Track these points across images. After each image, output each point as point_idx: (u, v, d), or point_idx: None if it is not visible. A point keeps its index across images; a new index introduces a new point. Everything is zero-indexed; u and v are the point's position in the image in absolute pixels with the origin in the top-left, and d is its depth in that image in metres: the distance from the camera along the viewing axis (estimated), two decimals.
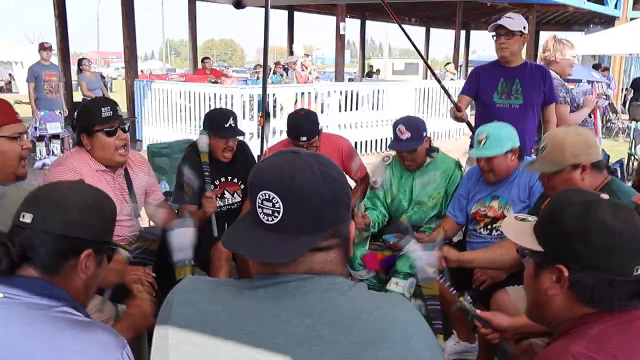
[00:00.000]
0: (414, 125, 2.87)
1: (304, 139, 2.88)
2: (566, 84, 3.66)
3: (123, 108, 8.79)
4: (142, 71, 14.22)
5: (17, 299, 1.06)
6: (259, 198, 0.90)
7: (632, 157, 6.88)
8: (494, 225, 2.62)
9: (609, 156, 4.00)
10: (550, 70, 3.61)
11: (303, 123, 2.97)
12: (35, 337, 1.00)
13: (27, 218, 1.13)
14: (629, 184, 3.70)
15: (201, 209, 2.82)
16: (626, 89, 14.01)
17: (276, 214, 0.88)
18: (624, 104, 13.26)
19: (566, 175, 1.99)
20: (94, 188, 1.29)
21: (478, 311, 1.88)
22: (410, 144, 2.84)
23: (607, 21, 15.11)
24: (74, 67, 9.92)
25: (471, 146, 3.54)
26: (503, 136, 2.51)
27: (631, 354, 0.96)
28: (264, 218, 0.90)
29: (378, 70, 22.27)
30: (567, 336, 1.05)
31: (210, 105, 7.72)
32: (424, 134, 2.90)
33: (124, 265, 2.13)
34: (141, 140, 9.16)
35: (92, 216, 1.19)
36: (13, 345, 0.99)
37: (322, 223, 0.90)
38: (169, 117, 8.77)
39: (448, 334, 2.84)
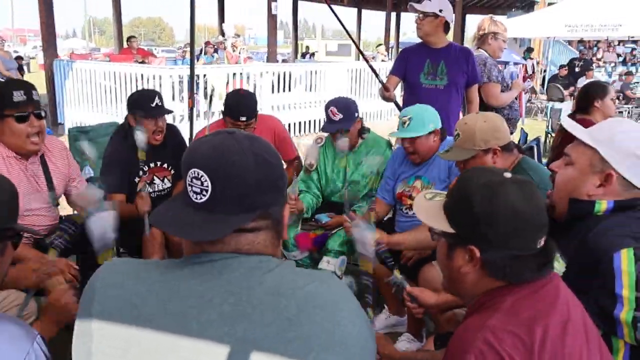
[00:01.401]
0: (346, 106, 2.92)
1: (244, 119, 2.83)
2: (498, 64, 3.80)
3: (42, 90, 8.27)
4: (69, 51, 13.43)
5: None
6: (189, 176, 0.90)
7: (549, 135, 7.31)
8: None
9: (527, 134, 4.22)
10: (482, 51, 3.74)
11: (243, 102, 2.91)
12: None
13: None
14: (545, 160, 3.93)
15: (133, 204, 2.72)
16: (544, 71, 14.79)
17: (204, 193, 0.88)
18: (542, 85, 14.01)
19: (479, 160, 2.11)
20: None
21: (408, 287, 1.95)
22: (343, 124, 2.88)
23: (528, 5, 15.84)
24: None
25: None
26: (426, 118, 2.59)
27: (538, 318, 1.03)
28: (193, 196, 0.90)
29: (314, 54, 22.18)
30: (483, 310, 1.10)
31: (137, 87, 7.41)
32: (356, 115, 2.95)
33: (43, 264, 2.03)
34: (63, 124, 8.69)
35: None
36: None
37: (251, 205, 0.90)
38: (92, 99, 8.34)
39: (380, 309, 2.94)
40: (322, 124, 9.81)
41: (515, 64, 9.31)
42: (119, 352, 0.85)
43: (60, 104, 8.76)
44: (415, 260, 2.52)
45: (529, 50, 14.30)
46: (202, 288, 0.86)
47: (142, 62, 9.60)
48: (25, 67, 17.39)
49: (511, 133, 3.92)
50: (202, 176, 0.88)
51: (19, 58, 14.57)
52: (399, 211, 2.82)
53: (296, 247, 2.93)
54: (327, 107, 2.93)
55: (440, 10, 3.29)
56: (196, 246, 0.91)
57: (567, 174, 1.47)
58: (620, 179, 1.39)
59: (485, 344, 0.97)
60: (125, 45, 11.55)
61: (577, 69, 12.95)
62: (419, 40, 3.47)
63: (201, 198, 0.88)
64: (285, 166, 3.31)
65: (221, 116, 3.05)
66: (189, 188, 0.90)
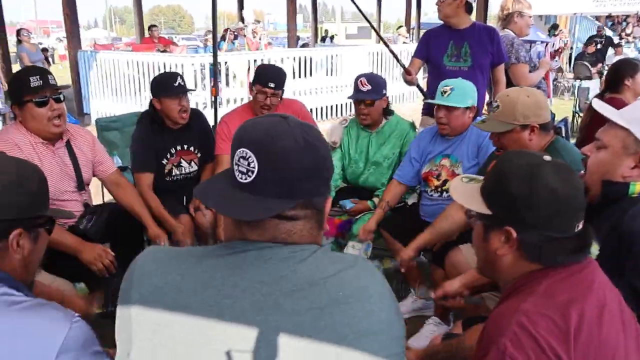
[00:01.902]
0: (375, 80, 2.94)
1: (272, 85, 2.86)
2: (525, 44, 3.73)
3: (67, 81, 8.40)
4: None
5: None
6: (237, 155, 0.90)
7: (577, 115, 7.14)
8: (443, 188, 2.70)
9: (554, 115, 4.14)
10: (509, 31, 3.66)
11: (273, 70, 2.97)
12: None
13: None
14: (573, 141, 3.86)
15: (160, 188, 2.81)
16: (571, 48, 14.42)
17: (250, 173, 0.88)
18: (569, 63, 13.68)
19: (515, 135, 2.05)
20: (14, 161, 1.22)
21: (432, 294, 1.95)
22: (369, 94, 2.89)
23: None
24: (11, 39, 9.39)
25: (423, 110, 3.60)
26: (467, 92, 2.58)
27: (574, 302, 1.02)
28: (238, 176, 0.90)
29: (333, 37, 21.98)
30: (517, 294, 1.10)
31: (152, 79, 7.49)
32: (384, 92, 2.95)
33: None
34: (89, 114, 8.84)
35: (13, 194, 1.13)
36: None
37: (295, 191, 0.89)
38: (117, 89, 8.46)
39: (406, 292, 2.95)
40: (343, 109, 9.77)
41: (542, 42, 9.11)
42: (155, 338, 0.87)
43: (85, 95, 8.90)
44: (442, 245, 2.52)
45: (554, 27, 13.92)
46: (236, 278, 0.87)
47: (164, 51, 9.67)
48: (50, 59, 17.65)
49: None
50: (249, 157, 0.88)
51: (44, 50, 14.81)
52: (424, 194, 2.81)
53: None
54: (356, 79, 2.95)
55: None
56: (236, 230, 0.92)
57: (599, 157, 1.44)
58: None
59: (520, 327, 0.97)
60: (146, 34, 11.64)
61: (599, 46, 12.59)
62: (440, 21, 3.42)
63: (246, 178, 0.88)
64: None
65: (243, 102, 3.08)
66: (236, 167, 0.90)
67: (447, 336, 1.73)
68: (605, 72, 11.03)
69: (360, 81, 2.91)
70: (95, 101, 8.77)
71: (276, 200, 0.88)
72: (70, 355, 0.99)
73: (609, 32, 15.79)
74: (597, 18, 16.57)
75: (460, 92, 2.56)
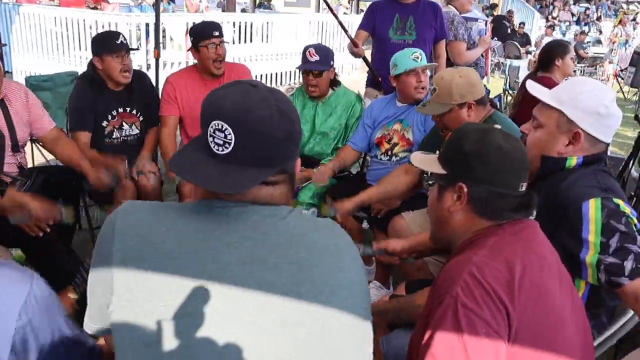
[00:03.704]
0: (323, 51, 2.96)
1: (217, 33, 2.87)
2: (465, 22, 3.84)
3: None
4: None
5: None
6: (212, 127, 0.89)
7: (506, 92, 7.49)
8: (393, 151, 2.80)
9: (489, 91, 4.33)
10: (452, 7, 3.76)
11: (209, 22, 2.99)
12: None
13: None
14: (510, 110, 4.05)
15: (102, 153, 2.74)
16: None
17: (227, 145, 0.88)
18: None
19: (455, 113, 2.19)
20: None
21: (374, 244, 2.03)
22: (318, 65, 2.92)
23: None
24: None
25: (367, 82, 3.66)
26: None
27: (518, 255, 1.13)
28: (214, 147, 0.90)
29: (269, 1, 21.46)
30: (468, 248, 1.20)
31: (91, 35, 7.08)
32: (331, 63, 2.98)
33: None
34: (10, 72, 8.25)
35: None
36: None
37: (273, 159, 0.91)
38: (44, 47, 7.93)
39: None
40: (283, 77, 9.66)
41: (483, 20, 9.37)
42: (139, 288, 0.86)
43: (7, 52, 8.27)
44: (385, 212, 2.62)
45: (492, 6, 14.40)
46: (219, 232, 0.89)
47: (94, 8, 9.13)
48: None
49: None
50: (226, 129, 0.88)
51: None
52: (373, 159, 2.90)
53: None
54: (305, 49, 2.96)
55: None
56: (212, 193, 0.93)
57: (536, 136, 1.56)
58: (586, 136, 1.50)
59: (471, 276, 1.06)
60: None
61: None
62: None
63: (223, 150, 0.89)
64: None
65: (180, 66, 3.03)
66: (211, 139, 0.90)
67: (394, 297, 1.83)
68: (532, 52, 11.59)
69: (309, 52, 2.92)
70: (19, 59, 8.19)
71: (256, 169, 0.90)
72: (32, 315, 0.97)
73: (537, 14, 16.52)
74: (527, 0, 17.24)
75: (424, 55, 2.77)
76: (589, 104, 1.47)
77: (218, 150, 0.90)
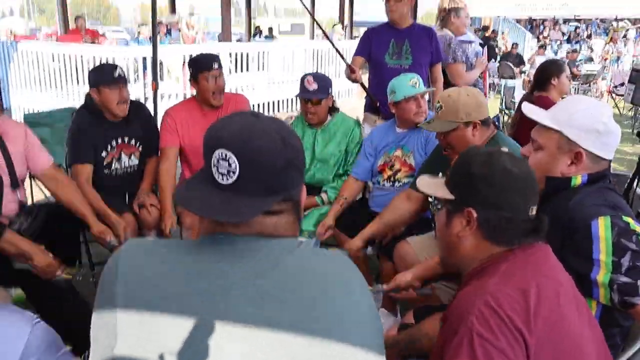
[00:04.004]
0: (322, 79, 2.98)
1: (216, 65, 2.89)
2: (463, 44, 3.88)
3: None
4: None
5: None
6: (215, 157, 0.89)
7: (502, 112, 7.54)
8: (395, 177, 2.79)
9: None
10: (447, 30, 3.80)
11: (208, 54, 3.00)
12: None
13: None
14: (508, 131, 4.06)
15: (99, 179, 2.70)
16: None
17: (232, 174, 0.88)
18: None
19: (460, 132, 2.17)
20: None
21: (384, 286, 2.00)
22: (316, 94, 2.93)
23: None
24: None
25: (366, 107, 3.68)
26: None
27: (531, 281, 1.10)
28: (218, 177, 0.89)
29: (270, 30, 21.74)
30: (480, 276, 1.17)
31: (89, 69, 7.15)
32: (330, 90, 3.00)
33: None
34: (9, 109, 8.29)
35: None
36: None
37: (277, 187, 0.90)
38: (42, 83, 7.99)
39: None
40: (280, 105, 9.72)
41: (480, 43, 9.50)
42: (144, 330, 0.84)
43: (4, 88, 8.34)
44: (390, 239, 2.59)
45: (485, 28, 14.61)
46: (228, 269, 0.87)
47: (92, 43, 9.23)
48: None
49: None
50: (229, 157, 0.87)
51: None
52: (376, 185, 2.89)
53: None
54: (303, 78, 2.98)
55: None
56: (217, 225, 0.91)
57: (538, 158, 1.55)
58: (588, 155, 1.48)
59: (486, 306, 1.03)
60: (71, 25, 11.05)
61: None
62: (372, 21, 3.49)
63: (228, 179, 0.88)
64: None
65: (177, 100, 3.05)
66: (214, 169, 0.89)
67: (403, 326, 1.79)
68: (526, 72, 11.70)
69: (307, 80, 2.94)
70: (17, 96, 8.25)
71: (261, 198, 0.89)
72: (35, 357, 0.95)
73: (528, 35, 16.76)
74: (518, 21, 17.51)
75: (421, 80, 2.78)
76: (587, 122, 1.47)
77: (222, 180, 0.89)
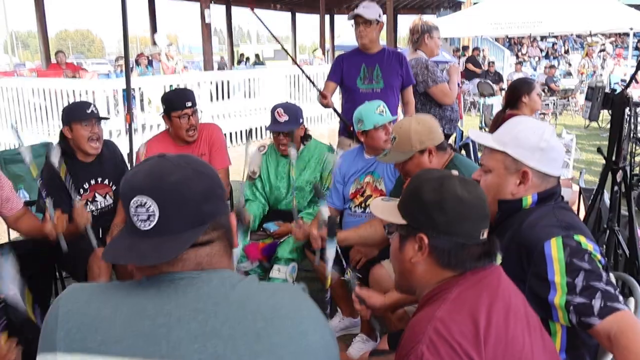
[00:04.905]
0: (292, 110, 3.00)
1: (189, 104, 2.90)
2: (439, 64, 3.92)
3: None
4: None
5: None
6: (132, 206, 0.89)
7: (483, 130, 7.62)
8: (367, 203, 2.79)
9: (462, 132, 4.41)
10: (421, 52, 3.85)
11: (180, 92, 3.03)
12: None
13: None
14: (480, 155, 4.10)
15: (72, 223, 2.62)
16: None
17: (152, 218, 0.88)
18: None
19: (416, 160, 2.21)
20: None
21: (357, 288, 2.00)
22: (287, 126, 2.94)
23: (455, 5, 16.45)
24: None
25: (340, 131, 3.70)
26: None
27: (482, 306, 1.10)
28: (140, 225, 0.89)
29: (258, 57, 21.93)
30: (432, 302, 1.17)
31: (69, 103, 7.15)
32: (300, 120, 3.01)
33: None
34: None
35: None
36: None
37: (200, 218, 0.91)
38: (21, 119, 7.97)
39: (333, 312, 2.98)
40: (263, 131, 9.76)
41: (448, 62, 9.67)
42: None
43: None
44: (365, 262, 2.58)
45: (464, 48, 14.87)
46: (169, 307, 0.87)
47: (73, 77, 9.25)
48: None
49: (451, 133, 4.08)
50: (146, 202, 0.88)
51: None
52: (347, 211, 2.88)
53: (246, 258, 2.92)
54: (273, 110, 3.00)
55: (380, 15, 3.39)
56: (153, 268, 0.91)
57: (488, 181, 1.57)
58: (535, 173, 1.52)
59: (435, 333, 1.03)
60: (52, 59, 11.08)
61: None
62: (353, 43, 3.54)
63: (150, 224, 0.89)
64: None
65: (159, 130, 3.05)
66: (135, 218, 0.90)
67: (374, 352, 1.77)
68: (505, 89, 11.88)
69: (277, 112, 2.95)
70: None
71: (186, 233, 0.90)
72: None
73: (507, 52, 17.04)
74: (497, 39, 17.82)
75: (387, 107, 2.79)
76: (530, 140, 1.51)
77: (144, 226, 0.89)
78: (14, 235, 3.13)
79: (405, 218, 1.25)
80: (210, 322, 0.85)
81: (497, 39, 17.93)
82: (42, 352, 0.89)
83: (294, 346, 0.86)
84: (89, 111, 2.73)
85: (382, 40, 3.57)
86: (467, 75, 12.80)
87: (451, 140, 4.03)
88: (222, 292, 0.89)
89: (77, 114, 2.72)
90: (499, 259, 1.26)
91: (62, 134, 2.78)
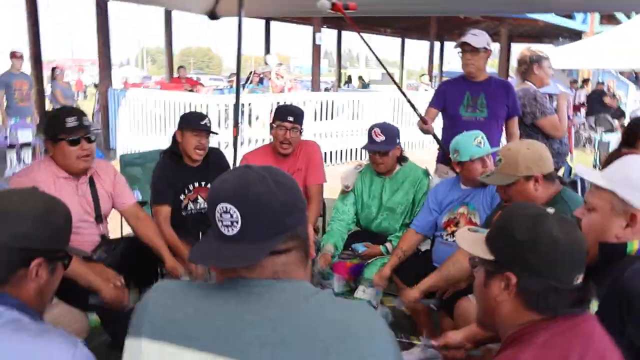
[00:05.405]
0: (389, 130, 3.00)
1: (291, 119, 3.02)
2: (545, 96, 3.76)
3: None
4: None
5: None
6: (218, 211, 0.95)
7: (597, 168, 7.10)
8: None
9: (571, 168, 4.14)
10: (530, 83, 3.71)
11: (291, 107, 3.19)
12: None
13: None
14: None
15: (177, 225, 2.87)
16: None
17: (235, 224, 0.94)
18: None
19: (520, 186, 2.10)
20: (45, 196, 1.28)
21: (433, 342, 1.95)
22: (384, 146, 2.95)
23: (575, 35, 15.58)
24: (47, 74, 9.80)
25: (438, 158, 3.65)
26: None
27: (573, 355, 1.03)
28: (224, 230, 0.95)
29: (361, 79, 22.28)
30: (516, 344, 1.11)
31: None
32: (397, 141, 3.01)
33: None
34: (114, 149, 9.08)
35: (41, 226, 1.19)
36: None
37: (279, 228, 0.96)
38: (143, 126, 8.72)
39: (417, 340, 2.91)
40: (364, 152, 9.85)
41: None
42: None
43: (112, 130, 9.17)
44: (451, 293, 2.51)
45: (585, 81, 14.05)
46: (243, 311, 0.92)
47: (191, 91, 9.97)
48: (84, 94, 18.35)
49: (559, 167, 3.86)
50: (230, 209, 0.94)
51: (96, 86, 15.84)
52: (438, 240, 2.83)
53: (333, 275, 2.96)
54: (370, 129, 3.02)
55: (488, 44, 3.32)
56: (233, 272, 0.97)
57: (591, 220, 1.47)
58: None
59: None
60: (175, 74, 12.02)
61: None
62: (462, 70, 3.48)
63: (233, 230, 0.94)
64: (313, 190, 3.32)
65: (265, 142, 3.22)
66: (219, 223, 0.96)
67: None
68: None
69: (374, 132, 2.97)
70: (121, 137, 9.03)
71: (266, 240, 0.94)
72: None
73: (632, 86, 15.80)
74: (621, 73, 16.60)
75: (484, 137, 2.70)
76: None
77: (227, 232, 0.95)
78: (127, 231, 3.42)
79: (493, 253, 1.20)
80: (280, 331, 0.89)
81: (621, 72, 16.70)
82: (130, 337, 0.98)
83: None
84: (202, 123, 2.95)
85: (494, 69, 3.47)
86: (594, 108, 11.98)
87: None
88: (295, 303, 0.92)
89: (192, 123, 2.95)
90: (594, 307, 1.18)
91: (174, 136, 3.03)
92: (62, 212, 1.27)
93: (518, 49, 5.21)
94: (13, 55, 7.54)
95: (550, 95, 3.88)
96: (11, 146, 7.39)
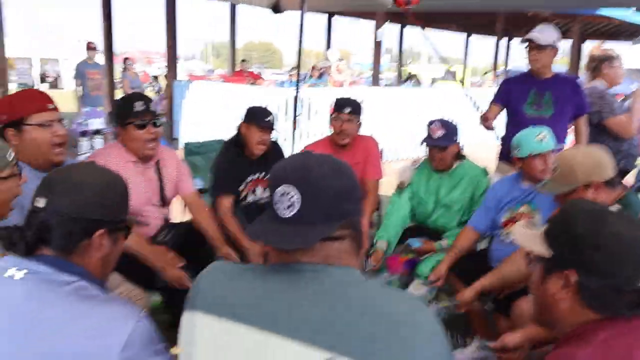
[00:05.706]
0: (448, 126, 2.96)
1: (348, 110, 3.06)
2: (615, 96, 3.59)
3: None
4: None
5: (37, 275, 1.12)
6: (277, 193, 0.98)
7: None
8: None
9: None
10: (599, 82, 3.56)
11: (349, 99, 3.19)
12: (55, 309, 1.07)
13: (41, 202, 1.17)
14: None
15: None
16: None
17: (293, 207, 0.96)
18: None
19: (580, 194, 2.03)
20: (104, 169, 1.32)
21: (489, 343, 1.91)
22: (442, 141, 2.91)
23: None
24: (117, 66, 10.27)
25: (501, 155, 3.56)
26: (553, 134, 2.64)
27: (631, 357, 0.99)
28: (282, 212, 0.97)
29: (415, 76, 21.97)
30: (573, 341, 1.08)
31: (250, 106, 7.86)
32: (455, 137, 2.96)
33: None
34: (177, 139, 9.40)
35: (103, 197, 1.22)
36: (33, 319, 1.05)
37: (336, 214, 0.97)
38: (206, 117, 8.98)
39: (469, 340, 2.86)
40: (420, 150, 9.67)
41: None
42: (216, 344, 0.96)
43: (177, 121, 9.50)
44: (508, 293, 2.45)
45: None
46: (294, 294, 0.94)
47: (252, 84, 10.17)
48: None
49: (629, 170, 3.67)
50: (289, 192, 0.96)
51: (154, 78, 16.65)
52: (496, 239, 2.76)
53: (386, 269, 2.96)
54: (429, 124, 2.99)
55: (554, 41, 3.21)
56: (287, 255, 0.99)
57: None
58: None
59: None
60: (237, 67, 12.30)
61: None
62: (524, 68, 3.39)
63: (291, 212, 0.96)
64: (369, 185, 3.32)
65: (322, 136, 3.26)
66: (277, 205, 0.98)
67: None
68: None
69: (433, 127, 2.94)
70: (185, 127, 9.34)
71: (321, 225, 0.96)
72: (134, 350, 1.06)
73: None
74: None
75: (551, 134, 2.60)
76: None
77: (285, 214, 0.97)
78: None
79: (551, 249, 1.16)
80: (329, 315, 0.90)
81: None
82: (186, 310, 1.04)
83: (404, 354, 0.86)
84: (267, 119, 3.02)
85: (564, 67, 3.35)
86: None
87: (630, 178, 3.61)
88: (343, 289, 0.93)
89: (257, 118, 3.01)
90: None
91: (239, 128, 3.11)
92: (120, 184, 1.30)
93: (590, 47, 4.98)
94: (88, 46, 7.97)
95: (626, 96, 3.70)
96: (83, 133, 7.81)
